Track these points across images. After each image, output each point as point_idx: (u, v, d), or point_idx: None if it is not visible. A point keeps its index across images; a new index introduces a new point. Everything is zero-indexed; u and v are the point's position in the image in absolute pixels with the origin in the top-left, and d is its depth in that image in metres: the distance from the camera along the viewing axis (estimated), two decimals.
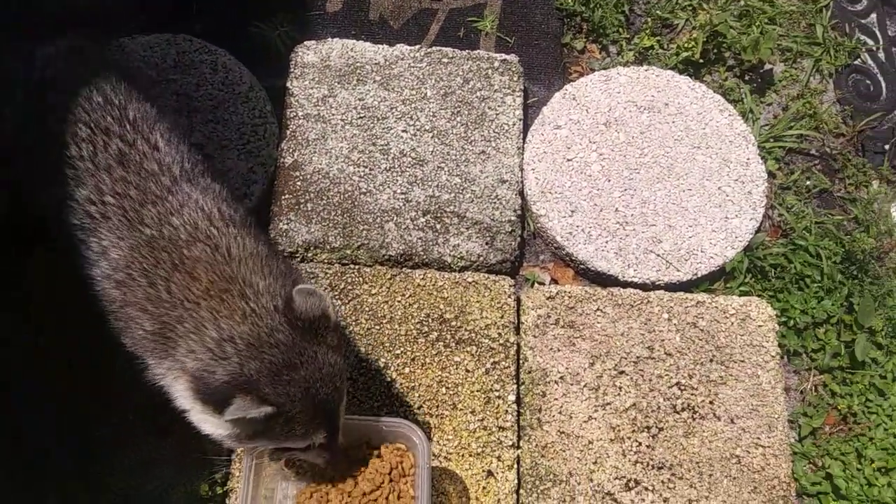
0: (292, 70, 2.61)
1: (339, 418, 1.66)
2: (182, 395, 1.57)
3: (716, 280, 2.43)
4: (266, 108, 2.55)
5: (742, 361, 2.24)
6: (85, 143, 1.73)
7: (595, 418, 2.16)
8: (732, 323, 2.29)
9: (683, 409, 2.17)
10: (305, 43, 2.66)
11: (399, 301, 2.29)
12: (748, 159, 2.57)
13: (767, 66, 2.90)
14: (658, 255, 2.40)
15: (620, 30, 2.93)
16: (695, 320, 2.29)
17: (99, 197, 1.68)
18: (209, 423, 1.57)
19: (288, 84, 2.58)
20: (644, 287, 2.38)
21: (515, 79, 2.65)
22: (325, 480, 1.89)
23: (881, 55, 2.99)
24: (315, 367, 1.55)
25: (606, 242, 2.42)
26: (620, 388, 2.20)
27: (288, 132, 2.50)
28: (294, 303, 1.56)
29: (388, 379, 2.18)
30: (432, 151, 2.51)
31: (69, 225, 1.70)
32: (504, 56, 2.70)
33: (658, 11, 2.97)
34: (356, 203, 2.41)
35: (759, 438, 2.13)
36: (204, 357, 1.51)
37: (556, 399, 2.19)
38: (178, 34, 2.63)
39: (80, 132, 1.74)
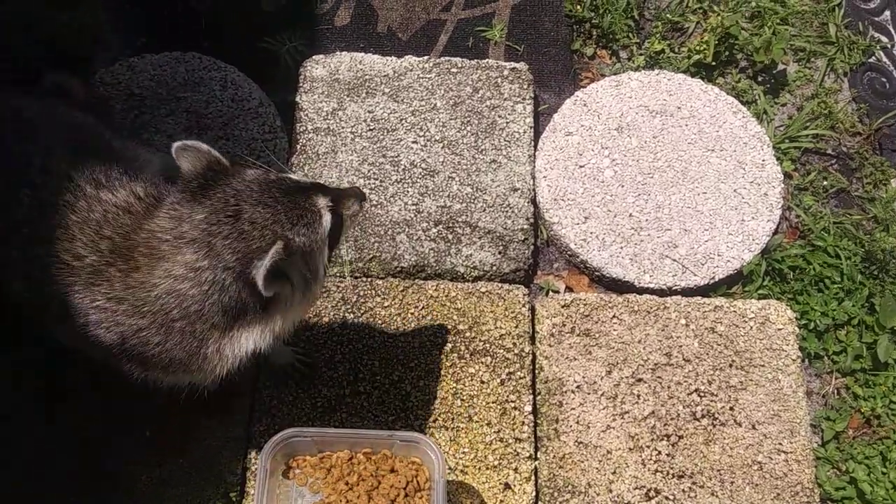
0: (301, 84, 2.61)
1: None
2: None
3: (733, 284, 2.40)
4: (276, 123, 2.55)
5: (762, 366, 2.20)
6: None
7: (613, 427, 2.13)
8: (751, 327, 2.25)
9: (703, 416, 2.14)
10: (314, 57, 2.67)
11: (412, 313, 2.28)
12: (763, 161, 2.53)
13: (780, 67, 2.86)
14: (674, 260, 2.37)
15: (630, 35, 2.91)
16: (713, 325, 2.25)
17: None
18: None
19: (297, 98, 2.59)
20: (660, 293, 2.34)
21: (525, 87, 2.64)
22: (337, 495, 1.87)
23: None
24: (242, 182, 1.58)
25: (621, 248, 2.40)
26: (639, 395, 2.17)
27: (298, 146, 2.50)
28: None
29: (403, 392, 2.16)
30: (443, 162, 2.50)
31: None
32: (513, 64, 2.68)
33: (668, 15, 2.94)
34: (367, 215, 2.40)
35: (781, 444, 2.09)
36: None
37: (573, 409, 2.16)
38: (187, 52, 2.64)
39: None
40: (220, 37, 2.78)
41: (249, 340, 1.60)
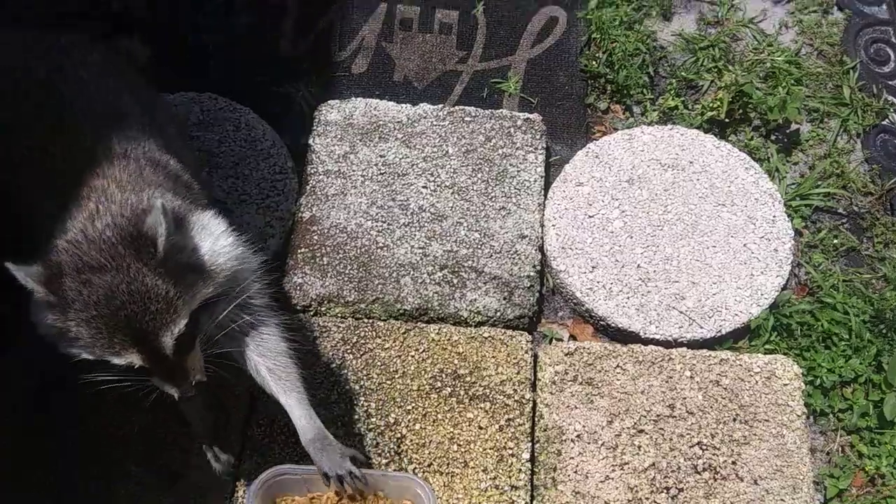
0: (315, 127, 2.65)
1: (162, 344, 1.54)
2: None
3: (740, 338, 2.36)
4: (287, 165, 2.58)
5: (766, 421, 2.15)
6: None
7: (612, 478, 2.08)
8: (757, 381, 2.21)
9: (705, 470, 2.08)
10: (329, 102, 2.71)
11: (412, 356, 2.26)
12: (774, 217, 2.51)
13: (794, 127, 2.87)
14: (681, 312, 2.34)
15: (645, 90, 2.93)
16: (718, 378, 2.21)
17: None
18: (38, 310, 1.56)
19: (310, 141, 2.62)
20: (666, 344, 2.31)
21: (538, 137, 2.66)
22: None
23: None
24: (124, 280, 1.50)
25: (628, 298, 2.37)
26: (639, 447, 2.12)
27: (308, 187, 2.53)
28: (143, 214, 1.55)
29: (399, 435, 2.13)
30: (452, 207, 2.51)
31: None
32: (527, 115, 2.71)
33: (683, 73, 2.97)
34: (373, 257, 2.41)
35: (783, 500, 2.02)
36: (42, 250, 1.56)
37: (571, 458, 2.11)
38: (203, 93, 2.70)
39: None
40: (237, 79, 2.84)
41: None
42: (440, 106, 2.73)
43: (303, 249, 2.41)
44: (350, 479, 1.78)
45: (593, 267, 2.43)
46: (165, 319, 1.52)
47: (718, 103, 2.81)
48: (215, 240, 1.63)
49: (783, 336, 2.36)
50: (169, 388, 1.59)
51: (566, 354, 2.27)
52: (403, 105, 2.72)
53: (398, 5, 3.05)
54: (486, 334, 2.30)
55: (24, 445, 2.09)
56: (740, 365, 2.24)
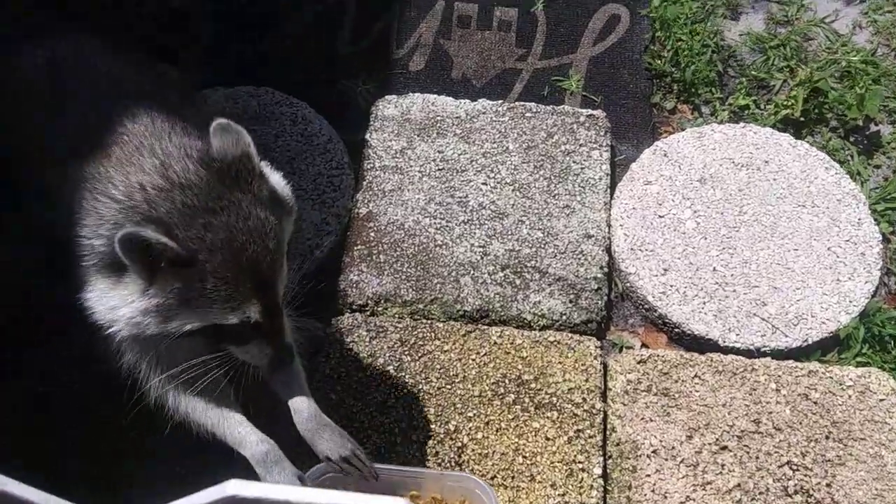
0: (372, 123, 2.54)
1: (278, 293, 1.41)
2: (90, 287, 1.37)
3: (828, 349, 2.18)
4: (343, 160, 2.48)
5: (863, 439, 1.96)
6: None
7: (693, 499, 1.91)
8: (850, 396, 2.03)
9: (797, 492, 1.90)
10: (386, 97, 2.61)
11: (473, 359, 2.11)
12: (859, 219, 2.34)
13: (874, 128, 2.70)
14: (763, 319, 2.17)
15: (713, 89, 2.79)
16: (807, 391, 2.03)
17: None
18: (119, 298, 1.35)
19: (367, 136, 2.51)
20: (747, 354, 2.14)
21: (602, 133, 2.52)
22: None
23: None
24: (238, 215, 1.34)
25: (704, 304, 2.21)
26: (723, 465, 1.94)
27: (364, 183, 2.41)
28: (211, 146, 1.38)
29: (459, 444, 1.99)
30: (513, 205, 2.37)
31: None
32: (590, 111, 2.58)
33: (753, 72, 2.82)
34: (431, 256, 2.27)
35: None
36: (110, 220, 1.35)
37: (648, 475, 1.94)
38: (260, 87, 2.62)
39: None
40: (295, 76, 2.75)
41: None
42: (500, 102, 2.61)
43: (359, 246, 2.28)
44: (356, 459, 1.63)
45: (665, 270, 2.28)
46: (279, 261, 1.39)
47: (793, 101, 2.67)
48: (270, 170, 1.49)
49: (876, 348, 2.18)
50: (271, 352, 1.43)
51: (639, 362, 2.11)
52: (462, 101, 2.60)
53: (456, 2, 2.96)
54: (551, 338, 2.15)
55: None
56: (830, 378, 2.06)
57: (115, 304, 1.36)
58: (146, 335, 1.38)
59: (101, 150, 1.47)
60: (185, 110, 1.73)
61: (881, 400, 2.02)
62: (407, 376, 2.08)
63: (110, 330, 1.39)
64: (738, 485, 1.92)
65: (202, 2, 2.90)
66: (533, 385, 2.08)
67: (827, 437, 1.97)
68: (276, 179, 1.50)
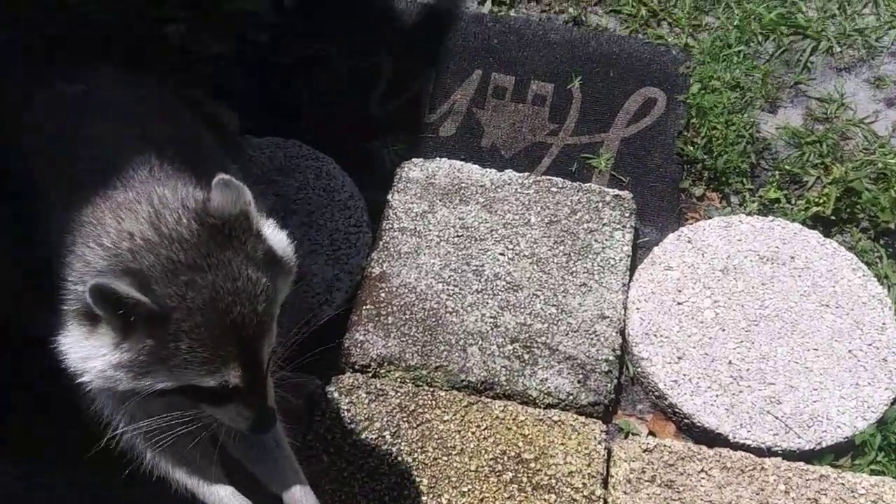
0: (396, 184, 2.55)
1: (262, 357, 1.33)
2: (66, 332, 1.32)
3: (842, 454, 2.09)
4: (363, 218, 2.48)
5: None
6: None
7: None
8: None
9: None
10: (413, 160, 2.62)
11: (473, 432, 2.06)
12: (884, 324, 2.27)
13: None
14: (776, 418, 2.09)
15: (744, 180, 2.76)
16: (817, 496, 1.94)
17: None
18: (91, 349, 1.29)
19: (389, 197, 2.52)
20: (758, 451, 2.06)
21: (627, 215, 2.49)
22: None
23: None
24: (227, 275, 1.27)
25: (717, 396, 2.14)
26: None
27: (381, 243, 2.40)
28: (210, 200, 1.33)
29: None
30: (529, 278, 2.34)
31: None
32: (617, 191, 2.56)
33: (787, 166, 2.78)
34: (440, 321, 2.24)
35: None
36: (95, 267, 1.30)
37: None
38: (288, 139, 2.64)
39: None
40: (325, 130, 2.78)
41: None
42: (526, 174, 2.60)
43: (368, 306, 2.26)
44: None
45: (679, 357, 2.22)
46: (268, 323, 1.34)
47: (825, 199, 2.63)
48: (273, 229, 1.45)
49: (892, 457, 2.08)
50: (251, 415, 1.37)
51: (644, 451, 2.03)
52: (488, 169, 2.60)
53: (494, 73, 2.98)
54: (555, 418, 2.09)
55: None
56: (842, 484, 1.97)
57: (87, 354, 1.31)
58: (117, 390, 1.34)
59: (102, 193, 1.45)
60: (212, 162, 1.73)
61: None
62: (403, 444, 2.03)
63: (81, 379, 1.35)
64: None
65: (241, 49, 2.96)
66: (532, 464, 2.01)
67: None
68: (279, 238, 1.45)
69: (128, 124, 1.70)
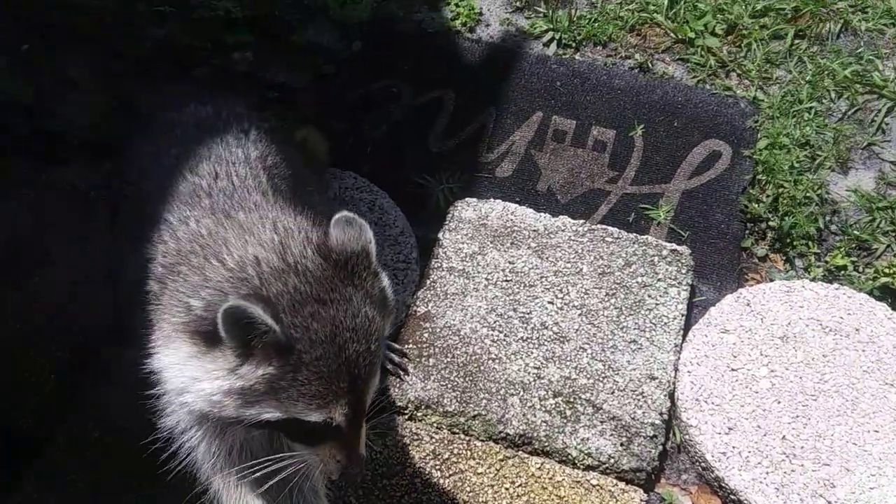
0: (447, 223, 2.50)
1: (367, 398, 1.32)
2: (168, 348, 1.31)
3: None
4: (412, 255, 2.44)
5: None
6: None
7: None
8: None
9: None
10: (466, 199, 2.58)
11: (507, 488, 1.98)
12: None
13: None
14: (829, 502, 1.97)
15: (810, 243, 2.64)
16: None
17: None
18: (202, 371, 1.27)
19: (439, 235, 2.47)
20: None
21: (684, 271, 2.40)
22: None
23: None
24: (347, 311, 1.27)
25: (767, 474, 2.02)
26: None
27: (428, 282, 2.36)
28: (330, 236, 1.35)
29: None
30: (577, 329, 2.26)
31: None
32: (674, 246, 2.47)
33: (856, 232, 2.67)
34: (482, 368, 2.18)
35: None
36: (216, 287, 1.30)
37: None
38: (345, 170, 2.63)
39: None
40: (381, 164, 2.77)
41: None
42: (581, 221, 2.53)
43: (410, 345, 2.21)
44: None
45: (730, 428, 2.11)
46: (377, 364, 1.34)
47: (894, 269, 2.49)
48: (381, 271, 1.45)
49: None
50: (344, 458, 1.35)
51: None
52: (542, 214, 2.54)
53: (555, 116, 2.93)
54: (594, 481, 2.00)
55: None
56: None
57: (197, 375, 1.30)
58: (217, 416, 1.32)
59: (222, 209, 1.49)
60: (314, 195, 1.81)
61: None
62: (433, 493, 1.96)
63: (180, 399, 1.34)
64: None
65: (306, 80, 2.97)
66: None
67: None
68: (385, 279, 1.46)
69: (243, 146, 1.75)
